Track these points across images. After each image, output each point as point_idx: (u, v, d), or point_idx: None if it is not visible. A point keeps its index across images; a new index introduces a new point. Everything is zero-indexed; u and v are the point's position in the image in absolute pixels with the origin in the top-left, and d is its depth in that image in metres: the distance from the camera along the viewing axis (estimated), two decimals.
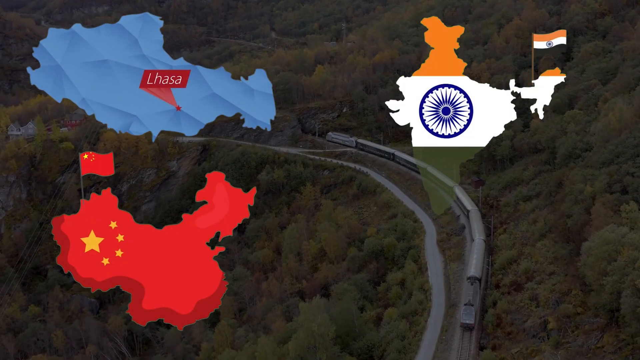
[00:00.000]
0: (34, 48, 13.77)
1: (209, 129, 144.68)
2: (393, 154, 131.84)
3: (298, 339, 67.97)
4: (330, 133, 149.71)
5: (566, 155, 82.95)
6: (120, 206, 14.28)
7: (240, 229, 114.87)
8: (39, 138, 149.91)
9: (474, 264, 74.86)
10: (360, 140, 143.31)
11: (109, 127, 14.01)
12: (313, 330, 66.80)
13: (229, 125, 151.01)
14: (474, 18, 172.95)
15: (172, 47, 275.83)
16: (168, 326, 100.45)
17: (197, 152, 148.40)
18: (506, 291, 68.86)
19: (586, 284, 57.50)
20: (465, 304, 66.92)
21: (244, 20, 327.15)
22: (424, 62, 21.22)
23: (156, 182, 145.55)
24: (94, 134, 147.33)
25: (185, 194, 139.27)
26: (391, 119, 21.95)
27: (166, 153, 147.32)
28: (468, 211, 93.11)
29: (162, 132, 14.17)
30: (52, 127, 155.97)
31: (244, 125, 14.32)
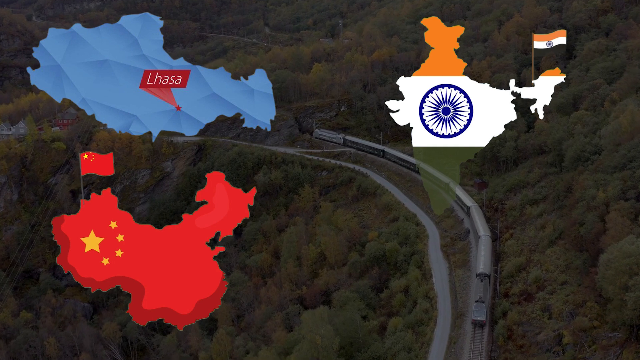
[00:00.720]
0: (34, 48, 13.69)
1: (204, 128, 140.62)
2: (383, 151, 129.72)
3: (301, 352, 65.78)
4: (317, 130, 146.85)
5: (574, 158, 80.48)
6: None
7: (237, 231, 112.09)
8: (30, 138, 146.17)
9: (483, 261, 73.18)
10: (348, 137, 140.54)
11: (109, 127, 13.95)
12: (317, 343, 64.50)
13: (224, 124, 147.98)
14: (473, 14, 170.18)
15: (165, 42, 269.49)
16: (164, 332, 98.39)
17: (192, 152, 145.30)
18: (516, 301, 66.53)
19: (602, 296, 55.18)
20: (476, 301, 66.27)
21: (237, 16, 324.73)
22: (424, 62, 21.13)
23: (150, 183, 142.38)
24: (86, 134, 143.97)
25: (180, 195, 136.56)
26: (390, 118, 21.83)
27: (160, 153, 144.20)
28: (468, 208, 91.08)
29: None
30: (43, 127, 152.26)
31: (244, 125, 14.23)
